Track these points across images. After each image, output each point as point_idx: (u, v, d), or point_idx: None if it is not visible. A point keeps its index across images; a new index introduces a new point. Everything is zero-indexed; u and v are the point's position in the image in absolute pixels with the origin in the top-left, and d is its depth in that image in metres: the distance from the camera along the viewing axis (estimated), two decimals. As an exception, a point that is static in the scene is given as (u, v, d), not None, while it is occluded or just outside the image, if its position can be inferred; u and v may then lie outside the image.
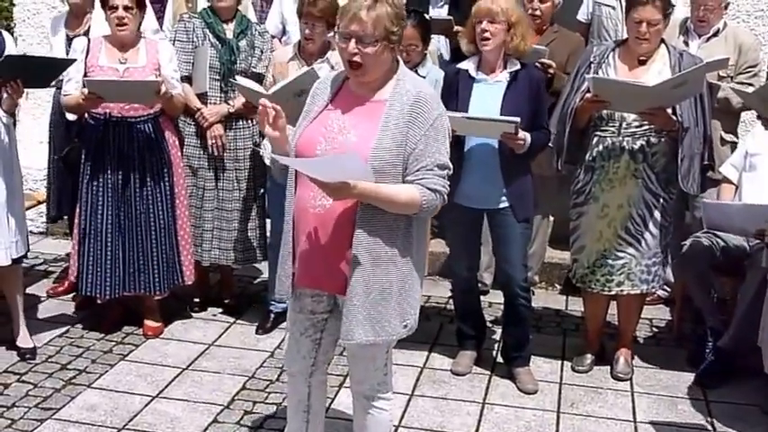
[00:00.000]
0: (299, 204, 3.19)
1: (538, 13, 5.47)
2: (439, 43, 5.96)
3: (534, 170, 4.68)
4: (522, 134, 4.37)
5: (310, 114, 3.24)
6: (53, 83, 5.10)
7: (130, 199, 4.95)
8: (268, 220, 5.41)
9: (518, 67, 4.52)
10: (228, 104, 5.19)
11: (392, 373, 3.46)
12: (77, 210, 5.03)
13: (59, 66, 4.89)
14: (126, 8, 4.77)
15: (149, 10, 5.19)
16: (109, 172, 4.92)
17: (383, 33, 3.06)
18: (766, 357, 4.30)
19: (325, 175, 2.96)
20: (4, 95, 4.61)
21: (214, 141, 5.18)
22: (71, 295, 5.61)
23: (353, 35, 3.07)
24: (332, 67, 4.80)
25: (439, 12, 6.15)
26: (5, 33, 4.92)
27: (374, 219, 3.08)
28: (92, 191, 4.94)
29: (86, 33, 5.29)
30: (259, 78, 5.10)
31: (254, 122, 5.22)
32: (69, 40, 5.32)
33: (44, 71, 4.81)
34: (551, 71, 5.19)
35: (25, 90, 4.69)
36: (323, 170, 2.98)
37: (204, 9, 5.34)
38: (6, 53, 4.68)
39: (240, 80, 4.89)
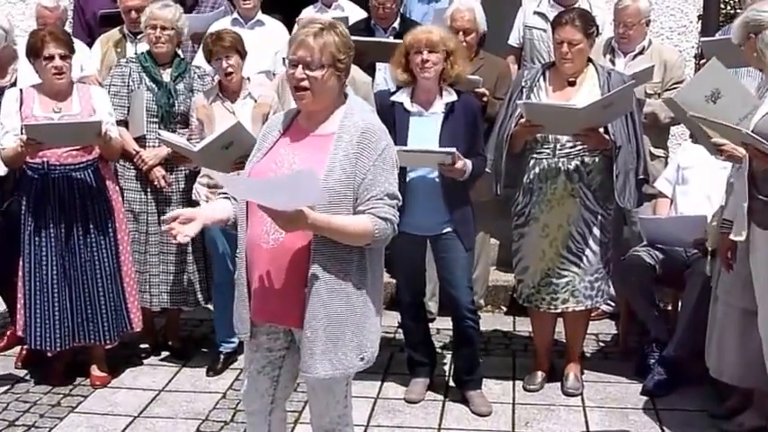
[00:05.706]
0: (252, 241, 3.19)
1: (464, 44, 5.51)
2: (385, 72, 5.82)
3: (472, 196, 4.72)
4: (461, 163, 4.42)
5: (261, 150, 3.26)
6: None
7: (74, 248, 4.87)
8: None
9: (454, 97, 4.56)
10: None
11: (352, 406, 3.46)
12: (21, 263, 4.91)
13: None
14: (62, 57, 4.74)
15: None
16: (51, 222, 4.83)
17: (330, 60, 3.11)
18: (710, 363, 4.41)
19: (277, 202, 2.95)
20: None
21: (157, 183, 5.16)
22: (14, 349, 5.47)
23: (301, 61, 3.11)
24: (255, 101, 4.91)
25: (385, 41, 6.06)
26: None
27: (328, 251, 3.10)
28: (35, 242, 4.84)
29: (14, 85, 5.14)
30: None
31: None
32: None
33: None
34: (485, 99, 5.27)
35: None
36: (275, 195, 2.96)
37: (141, 54, 5.34)
38: None
39: (165, 135, 4.93)
